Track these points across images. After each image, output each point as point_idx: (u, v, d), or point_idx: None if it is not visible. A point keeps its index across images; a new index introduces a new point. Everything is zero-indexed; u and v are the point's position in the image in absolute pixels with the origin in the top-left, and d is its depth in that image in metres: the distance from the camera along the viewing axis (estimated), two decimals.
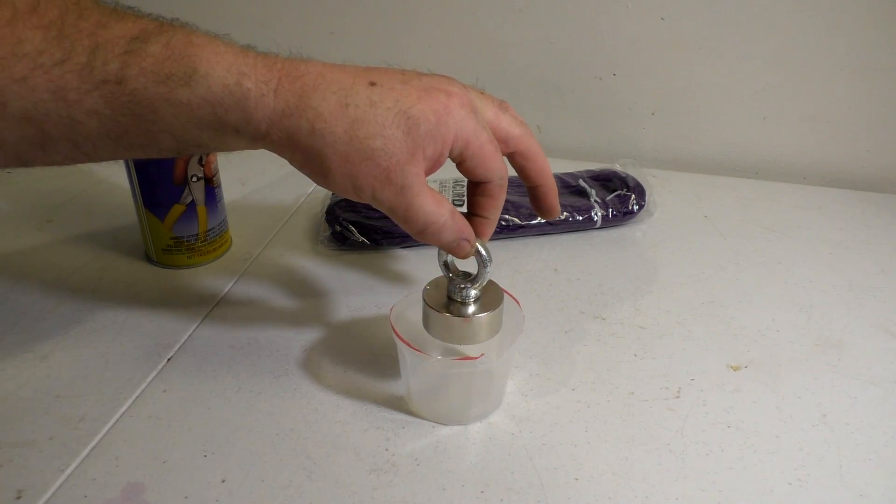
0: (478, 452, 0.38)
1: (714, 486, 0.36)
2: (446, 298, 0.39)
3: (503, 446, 0.39)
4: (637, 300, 0.51)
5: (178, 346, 0.46)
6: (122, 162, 0.50)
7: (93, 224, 0.60)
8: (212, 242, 0.55)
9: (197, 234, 0.53)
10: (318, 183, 0.35)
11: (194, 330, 0.47)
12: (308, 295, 0.52)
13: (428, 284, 0.40)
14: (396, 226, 0.57)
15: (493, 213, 0.39)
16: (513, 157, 0.39)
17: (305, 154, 0.33)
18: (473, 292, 0.38)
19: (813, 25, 0.66)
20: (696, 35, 0.69)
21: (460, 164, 0.36)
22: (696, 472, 0.37)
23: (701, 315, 0.50)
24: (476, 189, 0.39)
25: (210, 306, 0.50)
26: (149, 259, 0.55)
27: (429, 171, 0.35)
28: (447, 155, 0.35)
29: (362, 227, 0.56)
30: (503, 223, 0.58)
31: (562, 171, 0.64)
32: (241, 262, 0.55)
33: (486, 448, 0.39)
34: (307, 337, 0.47)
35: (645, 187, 0.62)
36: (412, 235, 0.36)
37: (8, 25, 0.29)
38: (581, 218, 0.59)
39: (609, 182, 0.64)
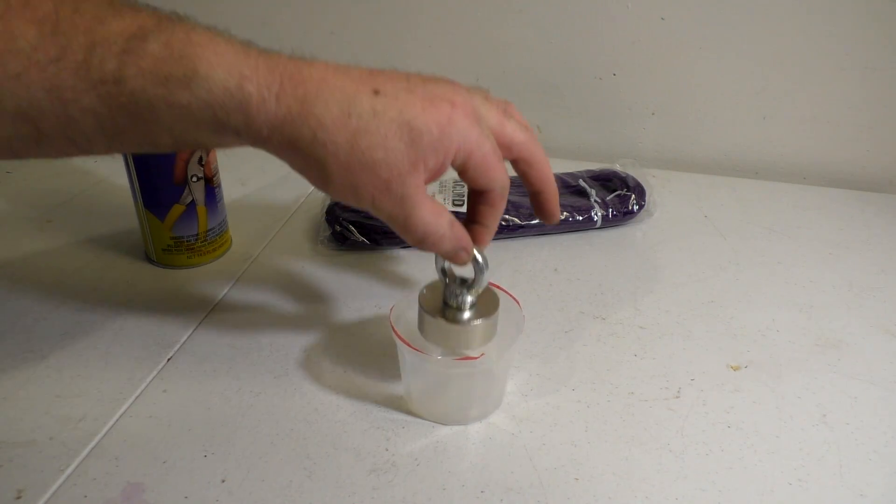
0: (478, 452, 0.38)
1: (714, 486, 0.36)
2: (442, 303, 0.39)
3: (503, 446, 0.39)
4: (637, 300, 0.51)
5: (178, 346, 0.46)
6: (122, 162, 0.50)
7: (93, 224, 0.60)
8: (212, 242, 0.54)
9: (197, 234, 0.53)
10: (317, 187, 0.34)
11: (194, 330, 0.47)
12: (308, 295, 0.52)
13: (424, 288, 0.40)
14: None
15: (493, 221, 0.39)
16: (516, 163, 0.39)
17: (306, 160, 0.33)
18: (469, 298, 0.38)
19: (813, 25, 0.66)
20: (696, 35, 0.69)
21: (462, 174, 0.36)
22: (696, 472, 0.37)
23: (701, 315, 0.50)
24: (477, 197, 0.39)
25: (210, 306, 0.50)
26: (149, 259, 0.55)
27: (430, 180, 0.35)
28: (448, 165, 0.35)
29: (362, 227, 0.56)
30: (503, 223, 0.58)
31: (562, 171, 0.64)
32: (241, 262, 0.55)
33: (486, 448, 0.39)
34: (307, 337, 0.47)
35: (645, 187, 0.62)
36: (411, 244, 0.36)
37: (1, 20, 0.28)
38: (581, 218, 0.59)
39: (609, 182, 0.64)
